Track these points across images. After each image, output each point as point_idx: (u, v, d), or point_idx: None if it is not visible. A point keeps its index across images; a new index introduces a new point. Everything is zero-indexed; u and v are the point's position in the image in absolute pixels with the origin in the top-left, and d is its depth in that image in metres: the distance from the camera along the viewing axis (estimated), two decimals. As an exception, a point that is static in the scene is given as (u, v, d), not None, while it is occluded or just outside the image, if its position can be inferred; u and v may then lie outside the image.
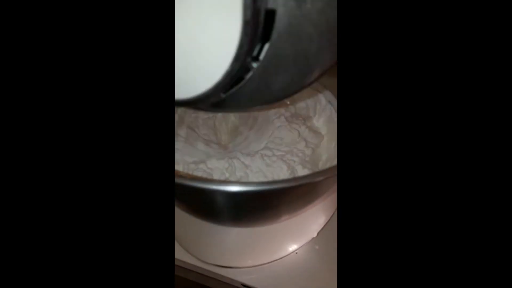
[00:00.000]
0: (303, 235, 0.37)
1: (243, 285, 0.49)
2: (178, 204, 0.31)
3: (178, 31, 0.12)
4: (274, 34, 0.12)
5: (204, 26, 0.12)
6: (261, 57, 0.13)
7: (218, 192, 0.22)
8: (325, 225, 0.38)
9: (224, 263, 0.35)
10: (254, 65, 0.13)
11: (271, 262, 0.36)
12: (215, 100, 0.15)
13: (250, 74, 0.14)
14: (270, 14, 0.12)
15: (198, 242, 0.37)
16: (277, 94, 0.16)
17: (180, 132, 0.37)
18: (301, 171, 0.33)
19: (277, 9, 0.12)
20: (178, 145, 0.35)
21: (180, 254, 0.36)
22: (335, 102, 0.40)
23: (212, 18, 0.12)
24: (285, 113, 0.39)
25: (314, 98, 0.41)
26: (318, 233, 0.38)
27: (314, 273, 0.35)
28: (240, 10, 0.11)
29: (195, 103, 0.15)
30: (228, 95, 0.15)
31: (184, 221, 0.36)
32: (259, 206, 0.26)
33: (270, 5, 0.11)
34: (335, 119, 0.39)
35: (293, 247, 0.37)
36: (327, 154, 0.38)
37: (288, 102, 0.41)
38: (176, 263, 0.36)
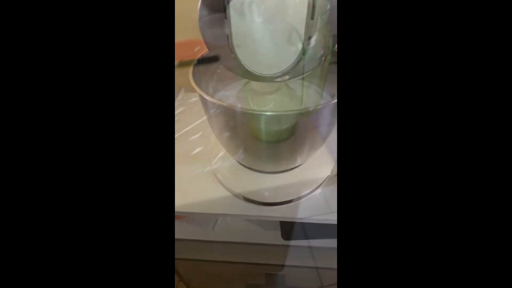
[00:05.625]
0: (321, 175, 0.49)
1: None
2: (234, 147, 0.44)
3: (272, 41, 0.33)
4: (309, 44, 0.33)
5: (286, 41, 0.33)
6: (305, 54, 0.34)
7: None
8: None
9: (265, 200, 0.45)
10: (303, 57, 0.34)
11: (300, 199, 0.45)
12: (285, 74, 0.35)
13: (301, 61, 0.35)
14: (310, 37, 0.33)
15: (247, 187, 0.47)
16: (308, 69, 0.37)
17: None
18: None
19: (312, 36, 0.33)
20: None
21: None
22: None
23: (290, 37, 0.32)
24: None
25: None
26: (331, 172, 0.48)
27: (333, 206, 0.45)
28: (302, 36, 0.32)
29: (276, 76, 0.35)
30: (291, 72, 0.35)
31: (238, 173, 0.49)
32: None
33: (310, 34, 0.32)
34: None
35: (316, 186, 0.47)
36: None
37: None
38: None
